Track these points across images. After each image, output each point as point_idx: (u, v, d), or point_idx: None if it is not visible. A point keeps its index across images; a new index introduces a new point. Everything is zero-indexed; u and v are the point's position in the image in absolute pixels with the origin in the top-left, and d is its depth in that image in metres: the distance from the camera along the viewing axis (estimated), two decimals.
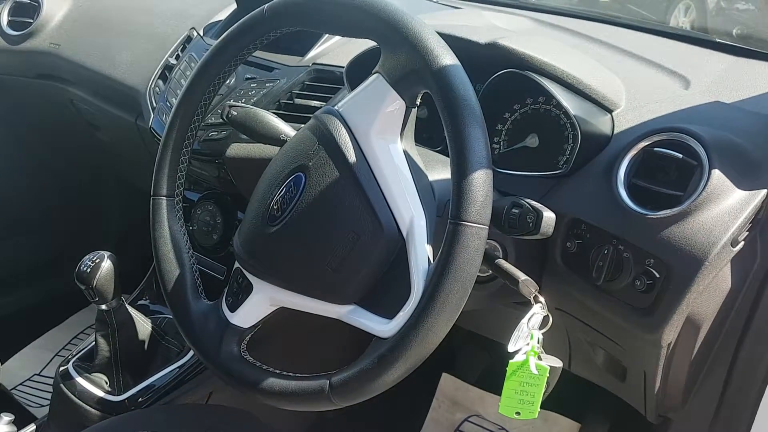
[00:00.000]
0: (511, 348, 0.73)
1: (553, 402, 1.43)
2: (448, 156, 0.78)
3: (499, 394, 1.54)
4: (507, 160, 0.86)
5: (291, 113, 1.01)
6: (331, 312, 0.68)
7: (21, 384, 1.63)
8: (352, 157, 0.66)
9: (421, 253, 0.63)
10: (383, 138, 0.66)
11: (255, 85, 1.07)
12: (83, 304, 1.93)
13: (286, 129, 0.86)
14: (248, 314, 0.74)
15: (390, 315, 0.63)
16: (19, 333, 1.69)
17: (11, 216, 1.73)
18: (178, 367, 1.09)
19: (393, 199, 0.65)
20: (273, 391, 0.68)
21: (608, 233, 0.75)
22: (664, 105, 0.83)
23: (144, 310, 1.14)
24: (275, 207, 0.70)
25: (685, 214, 0.70)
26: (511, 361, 0.73)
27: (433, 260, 0.61)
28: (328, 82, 1.03)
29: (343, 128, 0.68)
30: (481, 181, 0.58)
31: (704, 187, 0.69)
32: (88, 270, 0.96)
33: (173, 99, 1.12)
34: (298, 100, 1.03)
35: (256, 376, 0.70)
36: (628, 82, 0.87)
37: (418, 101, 0.67)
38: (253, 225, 0.73)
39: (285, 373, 0.68)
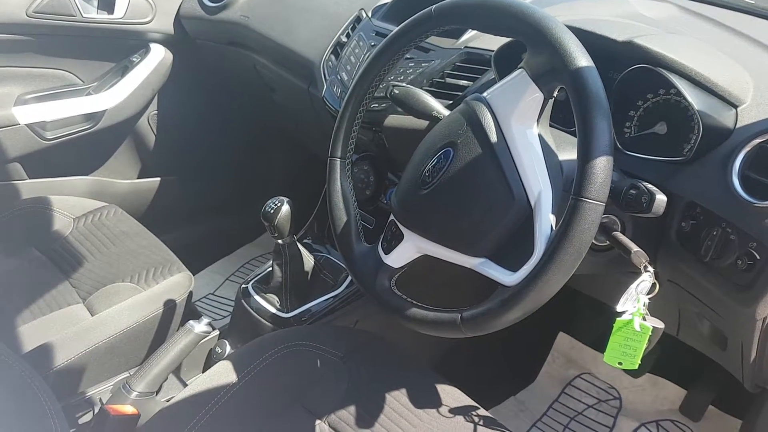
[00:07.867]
0: (619, 308, 0.83)
1: (661, 368, 1.50)
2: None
3: None
4: (637, 144, 0.93)
5: (441, 90, 1.15)
6: (465, 262, 0.83)
7: (198, 300, 1.99)
8: (493, 137, 0.80)
9: (545, 221, 0.75)
10: (522, 123, 0.79)
11: (413, 64, 1.22)
12: (248, 240, 2.26)
13: (438, 107, 1.02)
14: (398, 257, 0.90)
15: (514, 268, 0.76)
16: (198, 259, 2.01)
17: (199, 162, 2.04)
18: (332, 297, 1.32)
19: (525, 174, 0.78)
20: (414, 317, 0.85)
21: (719, 217, 0.82)
22: None
23: (307, 248, 1.38)
24: (427, 174, 0.86)
25: None
26: (618, 318, 0.84)
27: (556, 227, 0.74)
28: (477, 64, 1.15)
29: (488, 113, 0.82)
30: (602, 165, 0.68)
31: None
32: (272, 211, 1.20)
33: (343, 74, 1.31)
34: (449, 79, 1.17)
35: (402, 305, 0.87)
36: (760, 78, 0.89)
37: (555, 93, 0.78)
38: (408, 187, 0.90)
39: (425, 305, 0.86)
